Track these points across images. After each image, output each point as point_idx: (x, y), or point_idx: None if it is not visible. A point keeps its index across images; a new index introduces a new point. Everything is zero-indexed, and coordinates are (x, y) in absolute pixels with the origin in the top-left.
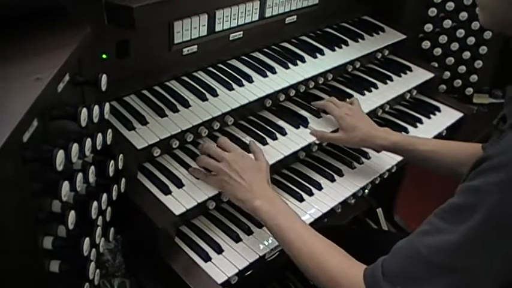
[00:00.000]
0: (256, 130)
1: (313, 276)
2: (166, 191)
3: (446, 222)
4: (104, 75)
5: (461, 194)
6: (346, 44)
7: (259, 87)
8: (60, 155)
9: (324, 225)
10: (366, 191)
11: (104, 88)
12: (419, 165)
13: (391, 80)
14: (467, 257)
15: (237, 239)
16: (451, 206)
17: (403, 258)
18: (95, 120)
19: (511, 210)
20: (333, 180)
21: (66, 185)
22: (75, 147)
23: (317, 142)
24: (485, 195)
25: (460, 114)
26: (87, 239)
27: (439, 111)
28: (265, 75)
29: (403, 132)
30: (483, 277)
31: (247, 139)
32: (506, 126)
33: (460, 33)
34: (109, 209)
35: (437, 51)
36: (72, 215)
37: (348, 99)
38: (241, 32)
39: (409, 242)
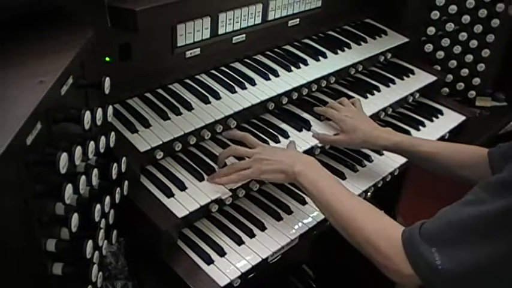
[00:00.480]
0: (259, 133)
1: (352, 238)
2: (169, 194)
3: (490, 194)
4: (107, 78)
5: (510, 171)
6: (349, 47)
7: (262, 90)
8: (64, 157)
9: (327, 228)
10: (369, 194)
11: (107, 91)
12: (421, 166)
13: (394, 83)
14: (506, 230)
15: (240, 242)
16: (497, 179)
17: (443, 222)
18: (98, 123)
19: None
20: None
21: (69, 188)
22: (78, 150)
23: (320, 145)
24: None
25: (463, 117)
26: (90, 242)
27: (442, 114)
28: (268, 78)
29: None
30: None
31: None
32: None
33: (463, 36)
34: (112, 211)
35: (440, 54)
36: (75, 218)
37: (350, 100)
38: (244, 35)
39: (452, 208)
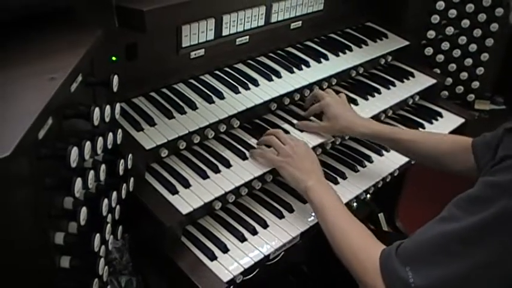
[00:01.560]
0: (261, 133)
1: (341, 253)
2: (174, 191)
3: (462, 211)
4: (116, 76)
5: (480, 186)
6: (350, 50)
7: (265, 90)
8: (74, 152)
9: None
10: (368, 195)
11: (115, 89)
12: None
13: (394, 85)
14: (475, 247)
15: (242, 239)
16: (469, 196)
17: (417, 242)
18: (107, 119)
19: None
20: (336, 183)
21: (79, 182)
22: (88, 145)
23: (318, 143)
24: (503, 192)
25: (462, 120)
26: (97, 235)
27: (441, 116)
28: (270, 79)
29: None
30: (488, 270)
31: (252, 141)
32: None
33: (462, 40)
34: (118, 207)
35: (440, 57)
36: (83, 212)
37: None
38: (248, 37)
39: (427, 227)
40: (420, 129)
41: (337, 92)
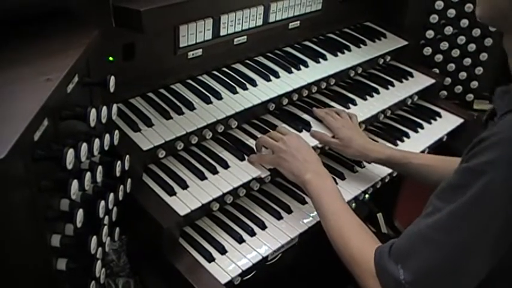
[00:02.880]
0: (259, 133)
1: (338, 250)
2: (171, 192)
3: (442, 201)
4: (112, 77)
5: (457, 174)
6: (349, 50)
7: (263, 91)
8: (70, 153)
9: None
10: (367, 195)
11: (112, 89)
12: (412, 179)
13: (393, 85)
14: (457, 233)
15: (241, 240)
16: (448, 185)
17: (406, 238)
18: (103, 120)
19: (502, 187)
20: (335, 183)
21: (75, 184)
22: (84, 146)
23: (319, 145)
24: (478, 175)
25: (461, 120)
26: (94, 237)
27: (440, 116)
28: (268, 80)
29: (398, 141)
30: (474, 253)
31: (250, 142)
32: (497, 118)
33: (461, 40)
34: (115, 208)
35: (439, 57)
36: (80, 214)
37: (347, 112)
38: (245, 37)
39: (414, 224)
40: (419, 129)
41: (339, 94)
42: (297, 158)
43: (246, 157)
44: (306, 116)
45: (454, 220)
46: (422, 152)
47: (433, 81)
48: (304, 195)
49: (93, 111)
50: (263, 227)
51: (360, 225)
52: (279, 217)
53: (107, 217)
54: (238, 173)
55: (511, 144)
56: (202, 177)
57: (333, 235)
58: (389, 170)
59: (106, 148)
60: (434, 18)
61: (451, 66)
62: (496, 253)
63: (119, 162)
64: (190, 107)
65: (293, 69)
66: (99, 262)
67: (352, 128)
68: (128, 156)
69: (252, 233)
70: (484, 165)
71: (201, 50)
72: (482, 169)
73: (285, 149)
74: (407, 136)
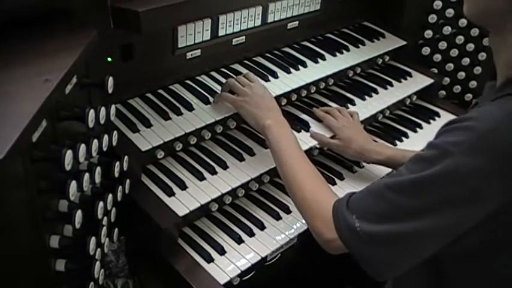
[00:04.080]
0: (258, 133)
1: (292, 193)
2: (170, 193)
3: (407, 169)
4: (111, 78)
5: (427, 148)
6: (347, 50)
7: None
8: (69, 154)
9: None
10: None
11: (110, 90)
12: None
13: (391, 85)
14: (408, 198)
15: (239, 241)
16: (416, 157)
17: (365, 192)
18: (102, 121)
19: (465, 172)
20: (334, 183)
21: (74, 185)
22: (82, 147)
23: (318, 146)
24: (446, 153)
25: None
26: (93, 239)
27: (439, 116)
28: (267, 80)
29: (396, 141)
30: (422, 221)
31: (249, 142)
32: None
33: (460, 39)
34: (114, 209)
35: (437, 57)
36: (79, 215)
37: (348, 111)
38: (244, 37)
39: (376, 182)
40: (418, 129)
41: (338, 94)
42: (260, 104)
43: (245, 158)
44: (304, 116)
45: (411, 187)
46: None
47: (431, 81)
48: None
49: (92, 112)
50: (262, 227)
51: (314, 171)
52: (278, 217)
53: (105, 218)
54: (237, 173)
55: (480, 135)
56: (201, 178)
57: (288, 179)
58: (388, 170)
59: (104, 149)
60: (432, 18)
61: (450, 66)
62: (446, 232)
63: (117, 163)
64: (189, 107)
65: (292, 70)
66: (98, 263)
67: (353, 127)
68: (126, 157)
69: (251, 234)
70: (450, 144)
71: (199, 50)
72: (448, 148)
73: (250, 95)
74: (406, 136)
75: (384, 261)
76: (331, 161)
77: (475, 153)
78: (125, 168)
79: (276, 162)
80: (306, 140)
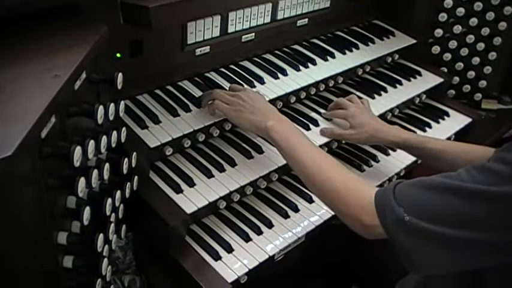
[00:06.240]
0: None
1: (317, 188)
2: (178, 190)
3: (470, 176)
4: (120, 74)
5: (495, 160)
6: (357, 48)
7: (271, 88)
8: (78, 151)
9: (331, 224)
10: None
11: (119, 86)
12: (428, 163)
13: (401, 84)
14: (477, 211)
15: (247, 239)
16: (482, 166)
17: (417, 186)
18: (111, 118)
19: None
20: None
21: (82, 181)
22: (91, 143)
23: (326, 140)
24: None
25: (469, 120)
26: (101, 235)
27: (448, 116)
28: (276, 77)
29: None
30: (478, 241)
31: (258, 140)
32: None
33: (470, 39)
34: (122, 206)
35: (447, 56)
36: (87, 211)
37: (359, 99)
38: (253, 34)
39: (430, 178)
40: (427, 129)
41: (347, 92)
42: (256, 108)
43: (253, 155)
44: (313, 114)
45: (478, 199)
46: None
47: (441, 80)
48: (312, 194)
49: (101, 108)
50: (270, 225)
51: (334, 161)
52: (286, 215)
53: (113, 214)
54: (246, 171)
55: None
56: (209, 175)
57: (310, 172)
58: (397, 169)
59: (113, 145)
60: (443, 16)
61: (460, 65)
62: (505, 248)
63: (125, 159)
64: (198, 104)
65: (301, 67)
66: (105, 260)
67: (364, 112)
68: (134, 153)
69: (259, 232)
70: None
71: (208, 47)
72: None
73: (243, 103)
74: None
75: (426, 257)
76: (340, 159)
77: None
78: (133, 165)
79: (288, 160)
80: (315, 138)
